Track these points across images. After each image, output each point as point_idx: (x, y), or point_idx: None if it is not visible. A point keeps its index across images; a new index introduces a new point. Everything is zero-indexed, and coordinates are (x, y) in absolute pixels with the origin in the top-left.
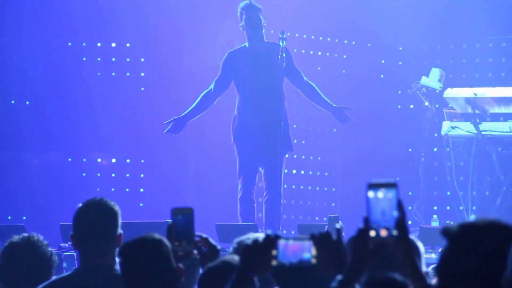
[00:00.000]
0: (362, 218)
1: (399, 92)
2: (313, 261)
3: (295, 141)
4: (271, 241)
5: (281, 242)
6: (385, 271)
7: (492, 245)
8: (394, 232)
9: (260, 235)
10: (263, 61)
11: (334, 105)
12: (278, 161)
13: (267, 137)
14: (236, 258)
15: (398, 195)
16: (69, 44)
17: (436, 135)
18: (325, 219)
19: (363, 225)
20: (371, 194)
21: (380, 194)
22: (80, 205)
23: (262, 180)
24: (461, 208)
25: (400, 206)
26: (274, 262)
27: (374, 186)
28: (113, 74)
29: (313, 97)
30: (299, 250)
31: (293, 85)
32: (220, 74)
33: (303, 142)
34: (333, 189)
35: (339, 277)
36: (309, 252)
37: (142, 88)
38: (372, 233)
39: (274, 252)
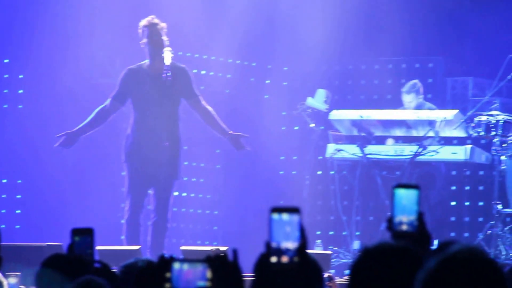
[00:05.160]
0: (264, 243)
1: (284, 113)
2: (208, 284)
3: (186, 163)
4: (165, 263)
5: (176, 266)
6: None
7: (397, 270)
8: (295, 259)
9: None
10: (162, 81)
11: (230, 131)
12: (168, 184)
13: (159, 159)
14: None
15: (300, 221)
16: None
17: (320, 157)
18: (207, 243)
19: (264, 250)
20: (275, 217)
21: (284, 218)
22: None
23: (151, 202)
24: (344, 233)
25: (302, 232)
26: (168, 285)
27: (278, 211)
28: None
29: (209, 122)
30: (193, 277)
31: (190, 107)
32: (117, 90)
33: (186, 163)
34: (215, 212)
35: None
36: (203, 279)
37: (20, 106)
38: (273, 259)
39: (168, 275)
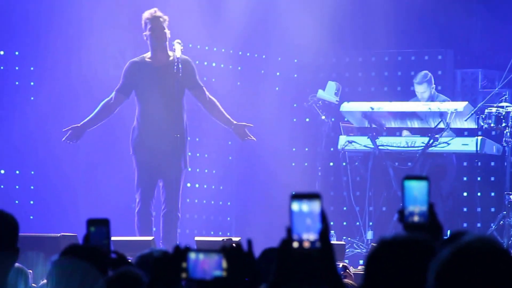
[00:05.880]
0: (285, 229)
1: (295, 105)
2: (224, 274)
3: (189, 153)
4: (181, 253)
5: (191, 256)
6: (308, 283)
7: (411, 261)
8: (317, 244)
9: (162, 249)
10: (166, 73)
11: (235, 122)
12: (177, 174)
13: (166, 150)
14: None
15: (321, 207)
16: None
17: (332, 149)
18: (220, 233)
19: (286, 236)
20: (294, 205)
21: (304, 205)
22: None
23: (161, 194)
24: (357, 223)
25: (323, 218)
26: (184, 275)
27: (298, 197)
28: (1, 82)
29: (214, 113)
30: (209, 267)
31: (195, 98)
32: (122, 83)
33: (198, 155)
34: (228, 203)
35: None
36: (219, 268)
37: (32, 98)
38: (295, 244)
39: (184, 265)
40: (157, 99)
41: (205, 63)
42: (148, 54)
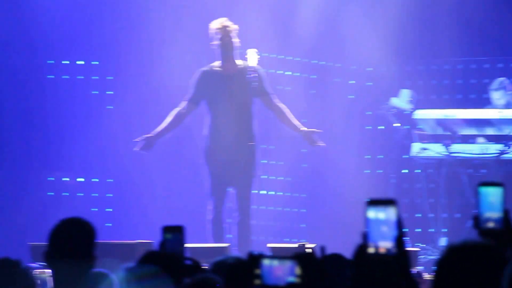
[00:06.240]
0: (361, 234)
1: (369, 112)
2: (298, 280)
3: (266, 161)
4: (254, 260)
5: (265, 263)
6: None
7: (480, 267)
8: (393, 250)
9: (236, 256)
10: (235, 81)
11: (302, 128)
12: (248, 182)
13: (237, 158)
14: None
15: (397, 212)
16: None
17: (406, 156)
18: (295, 240)
19: (362, 241)
20: (370, 211)
21: (380, 211)
22: (57, 222)
23: (234, 202)
24: (431, 230)
25: (399, 223)
26: (257, 281)
27: (374, 203)
28: (81, 92)
29: (282, 119)
30: (282, 273)
31: (263, 105)
32: (193, 92)
33: (273, 162)
34: (303, 210)
35: None
36: (293, 275)
37: (111, 107)
38: (371, 250)
39: (257, 271)
40: (227, 108)
41: (280, 71)
42: (217, 63)
